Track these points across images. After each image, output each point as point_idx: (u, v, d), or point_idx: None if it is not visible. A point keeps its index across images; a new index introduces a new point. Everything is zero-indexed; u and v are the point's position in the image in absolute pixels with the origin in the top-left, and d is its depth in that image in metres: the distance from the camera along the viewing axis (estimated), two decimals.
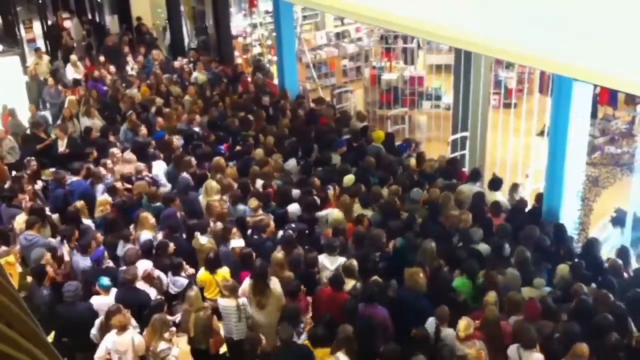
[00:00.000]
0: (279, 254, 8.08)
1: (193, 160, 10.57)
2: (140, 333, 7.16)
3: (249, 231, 8.91)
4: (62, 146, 11.89)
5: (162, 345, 6.84)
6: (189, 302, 7.46)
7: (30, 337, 1.66)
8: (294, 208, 9.41)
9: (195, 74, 15.11)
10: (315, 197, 9.45)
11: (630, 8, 6.09)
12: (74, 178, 10.29)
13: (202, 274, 8.11)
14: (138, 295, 7.64)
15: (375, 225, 8.89)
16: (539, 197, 9.60)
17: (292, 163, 10.91)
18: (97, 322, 7.35)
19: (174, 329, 7.09)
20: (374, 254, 8.29)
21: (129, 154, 10.92)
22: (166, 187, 10.37)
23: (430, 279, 7.72)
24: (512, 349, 6.71)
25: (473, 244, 8.43)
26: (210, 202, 9.25)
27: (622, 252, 8.45)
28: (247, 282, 7.74)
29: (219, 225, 8.72)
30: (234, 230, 8.56)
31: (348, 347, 6.59)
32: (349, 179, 9.97)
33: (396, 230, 8.60)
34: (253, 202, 9.15)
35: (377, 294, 7.38)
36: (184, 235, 8.98)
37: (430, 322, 7.11)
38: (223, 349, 7.93)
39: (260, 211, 9.09)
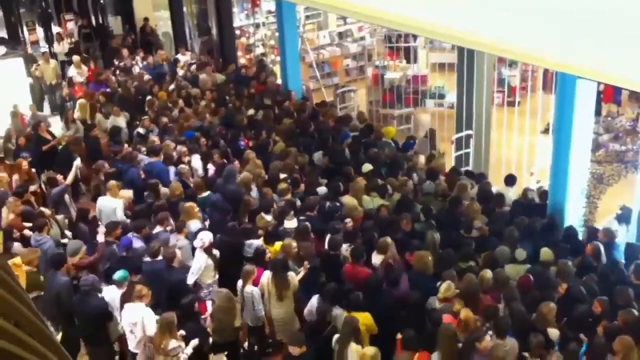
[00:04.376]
0: (293, 242, 8.21)
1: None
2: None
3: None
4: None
5: (173, 343, 6.86)
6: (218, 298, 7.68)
7: (39, 338, 1.67)
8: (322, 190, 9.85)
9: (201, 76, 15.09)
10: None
11: (634, 5, 6.09)
12: (153, 159, 10.63)
13: None
14: (173, 273, 7.80)
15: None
16: (543, 195, 9.61)
17: (317, 155, 11.22)
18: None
19: (182, 332, 7.10)
20: (396, 235, 8.61)
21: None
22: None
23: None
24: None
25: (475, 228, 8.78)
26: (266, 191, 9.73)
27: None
28: (265, 276, 7.83)
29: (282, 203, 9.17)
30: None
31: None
32: (366, 166, 10.32)
33: (414, 219, 8.98)
34: (282, 185, 9.56)
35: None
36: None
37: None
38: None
39: (289, 195, 9.47)
